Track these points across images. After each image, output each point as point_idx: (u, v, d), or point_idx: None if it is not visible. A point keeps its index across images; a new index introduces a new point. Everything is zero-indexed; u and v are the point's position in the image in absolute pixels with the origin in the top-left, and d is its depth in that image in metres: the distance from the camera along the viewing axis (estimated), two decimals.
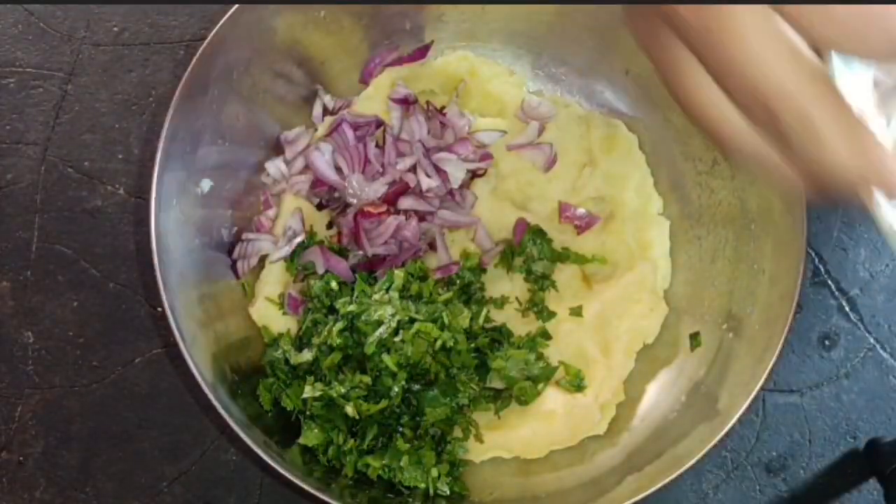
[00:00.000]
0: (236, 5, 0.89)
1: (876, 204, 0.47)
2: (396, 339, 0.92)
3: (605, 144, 1.06)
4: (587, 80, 1.08)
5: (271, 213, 1.03)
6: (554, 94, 1.09)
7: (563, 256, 1.03)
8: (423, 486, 0.92)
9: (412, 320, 0.93)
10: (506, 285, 1.03)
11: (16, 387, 1.07)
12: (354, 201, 1.01)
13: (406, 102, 1.04)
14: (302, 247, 1.00)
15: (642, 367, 1.02)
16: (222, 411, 0.83)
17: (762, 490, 1.09)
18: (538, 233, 1.02)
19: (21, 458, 1.06)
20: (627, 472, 0.92)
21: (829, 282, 1.12)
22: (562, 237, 1.04)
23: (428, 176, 1.01)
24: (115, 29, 1.15)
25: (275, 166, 1.03)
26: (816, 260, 1.12)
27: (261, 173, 1.04)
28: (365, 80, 1.07)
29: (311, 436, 0.92)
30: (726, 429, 0.85)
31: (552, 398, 0.99)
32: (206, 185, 0.96)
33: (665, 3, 0.41)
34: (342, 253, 1.01)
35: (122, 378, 1.08)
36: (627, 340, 1.01)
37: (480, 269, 1.02)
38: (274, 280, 1.00)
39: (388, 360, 0.91)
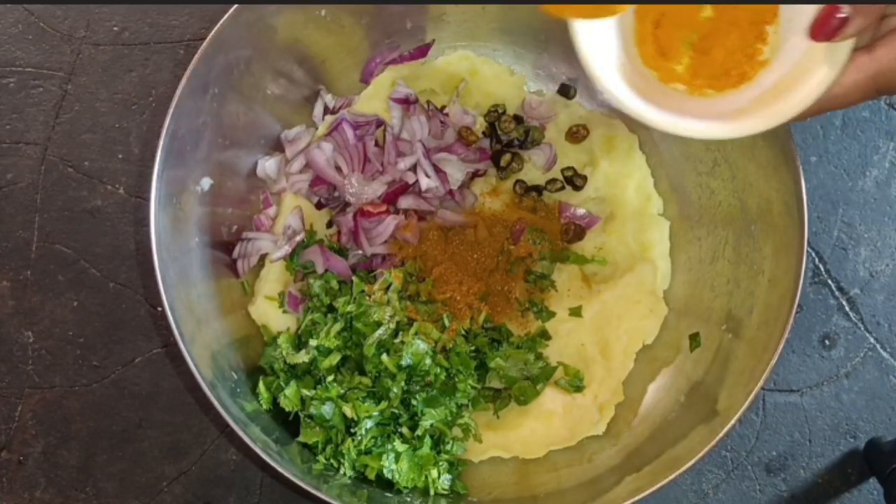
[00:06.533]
0: (236, 5, 0.90)
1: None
2: (396, 340, 0.92)
3: (605, 144, 1.06)
4: (588, 79, 1.08)
5: (271, 211, 1.03)
6: (554, 93, 1.09)
7: (563, 256, 1.03)
8: (420, 486, 0.92)
9: (411, 321, 0.93)
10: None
11: (16, 387, 1.07)
12: (354, 200, 1.01)
13: (407, 102, 1.04)
14: (302, 246, 1.00)
15: (641, 367, 1.02)
16: (221, 410, 0.83)
17: (762, 490, 1.09)
18: (538, 233, 1.02)
19: (21, 458, 1.06)
20: (626, 472, 0.92)
21: (829, 282, 1.12)
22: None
23: (427, 176, 1.01)
24: (115, 29, 1.15)
25: (274, 164, 1.03)
26: (816, 260, 1.12)
27: (261, 172, 1.04)
28: (366, 80, 1.07)
29: (309, 434, 0.92)
30: (725, 430, 0.85)
31: (551, 398, 0.99)
32: (206, 183, 0.96)
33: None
34: (342, 252, 1.01)
35: (122, 378, 1.08)
36: (627, 341, 1.01)
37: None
38: (274, 279, 1.00)
39: (388, 361, 0.91)
